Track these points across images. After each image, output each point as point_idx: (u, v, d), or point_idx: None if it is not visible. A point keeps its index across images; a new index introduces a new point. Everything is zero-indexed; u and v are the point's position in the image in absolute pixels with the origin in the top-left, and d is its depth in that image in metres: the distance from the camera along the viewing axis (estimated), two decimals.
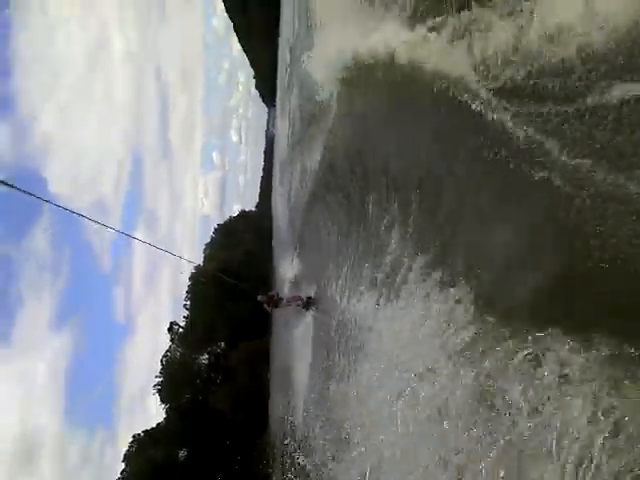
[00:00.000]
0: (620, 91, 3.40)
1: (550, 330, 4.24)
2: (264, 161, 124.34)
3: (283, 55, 49.35)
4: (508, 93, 4.98)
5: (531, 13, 4.55)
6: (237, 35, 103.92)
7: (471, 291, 5.77)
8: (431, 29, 7.23)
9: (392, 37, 9.18)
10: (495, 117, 5.22)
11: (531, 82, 4.57)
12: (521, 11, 4.74)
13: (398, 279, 8.25)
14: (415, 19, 7.94)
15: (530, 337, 4.46)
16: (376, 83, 10.80)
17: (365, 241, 11.07)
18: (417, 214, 7.98)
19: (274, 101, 79.26)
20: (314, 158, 21.21)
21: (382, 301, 9.09)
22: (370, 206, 10.88)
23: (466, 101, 5.92)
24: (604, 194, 3.59)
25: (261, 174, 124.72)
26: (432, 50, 7.16)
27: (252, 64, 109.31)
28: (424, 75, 7.49)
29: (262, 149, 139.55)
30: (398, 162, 9.36)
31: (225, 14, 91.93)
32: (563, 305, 4.16)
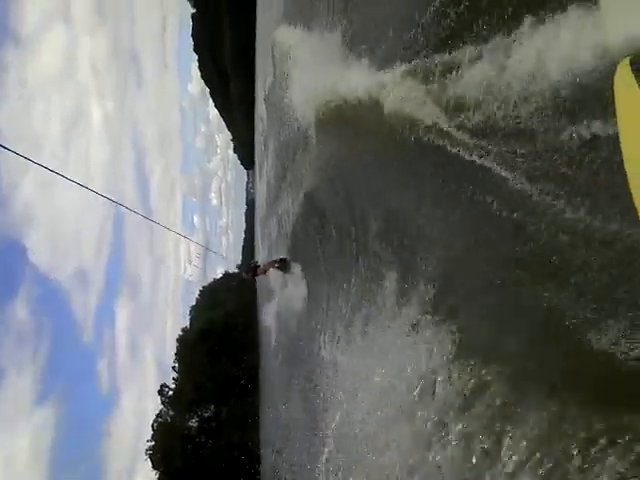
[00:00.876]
0: (586, 130, 3.48)
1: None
2: (245, 222, 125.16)
3: (259, 111, 50.60)
4: (480, 132, 5.04)
5: (504, 55, 4.59)
6: (213, 100, 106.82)
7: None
8: (404, 72, 7.24)
9: (365, 80, 9.18)
10: (468, 156, 5.27)
11: (502, 121, 4.62)
12: (493, 55, 4.80)
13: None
14: (388, 62, 7.94)
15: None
16: (350, 125, 10.89)
17: (354, 287, 10.90)
18: (397, 259, 8.01)
19: (253, 163, 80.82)
20: (288, 207, 21.62)
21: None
22: (351, 252, 10.92)
23: (438, 141, 5.99)
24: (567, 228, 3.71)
25: (243, 236, 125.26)
26: (405, 92, 7.20)
27: (229, 128, 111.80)
28: (397, 117, 7.55)
29: (243, 211, 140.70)
30: (372, 204, 9.52)
31: (201, 80, 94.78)
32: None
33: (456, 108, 5.57)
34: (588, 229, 3.54)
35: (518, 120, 4.35)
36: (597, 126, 3.37)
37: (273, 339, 28.15)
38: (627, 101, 1.58)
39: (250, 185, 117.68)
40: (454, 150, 5.59)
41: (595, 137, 3.39)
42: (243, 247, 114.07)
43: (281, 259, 19.27)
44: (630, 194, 2.52)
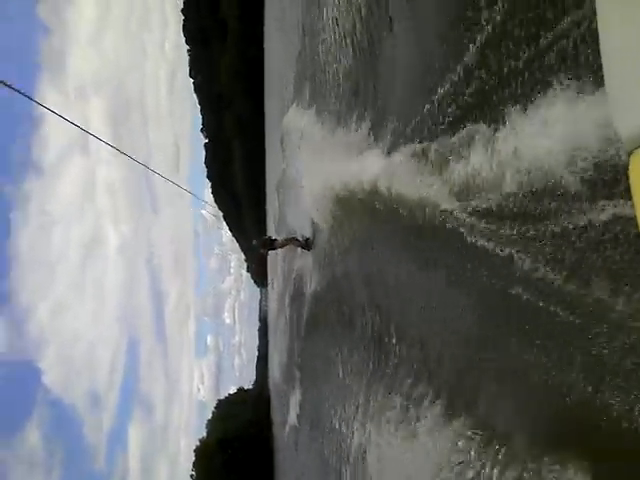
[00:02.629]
0: (598, 215, 3.42)
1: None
2: (259, 339, 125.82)
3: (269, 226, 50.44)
4: (488, 215, 5.01)
5: (509, 140, 4.57)
6: (226, 223, 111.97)
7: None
8: (411, 155, 7.24)
9: (371, 166, 9.25)
10: (477, 240, 5.25)
11: (509, 204, 4.58)
12: (495, 140, 4.81)
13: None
14: (394, 146, 8.00)
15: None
16: (359, 213, 10.96)
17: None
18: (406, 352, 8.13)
19: (266, 281, 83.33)
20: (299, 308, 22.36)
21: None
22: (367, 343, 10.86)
23: (447, 224, 5.97)
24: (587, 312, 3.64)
25: (256, 353, 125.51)
26: (412, 175, 7.19)
27: (242, 249, 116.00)
28: (404, 201, 7.58)
29: (256, 328, 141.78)
30: (387, 293, 9.45)
31: (214, 204, 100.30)
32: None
33: (463, 191, 5.56)
34: (599, 311, 3.45)
35: (526, 203, 4.32)
36: (609, 210, 3.30)
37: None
38: None
39: (263, 302, 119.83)
40: (463, 233, 5.57)
41: (608, 221, 3.31)
42: (257, 365, 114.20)
43: (306, 238, 17.51)
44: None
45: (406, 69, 7.82)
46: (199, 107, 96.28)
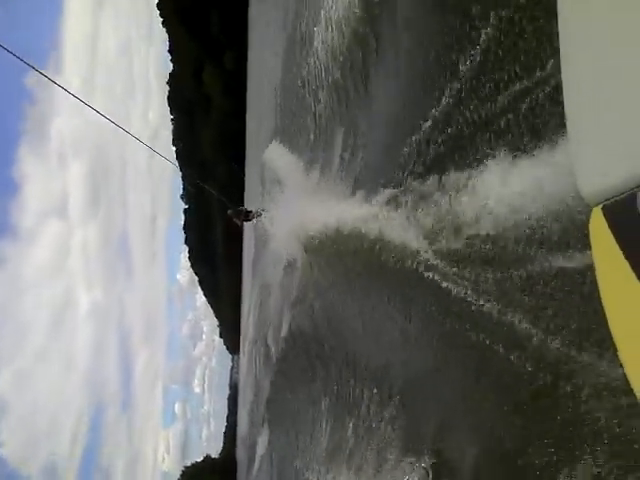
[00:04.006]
0: (556, 262, 3.48)
1: None
2: (228, 408, 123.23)
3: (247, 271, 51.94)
4: (456, 259, 5.14)
5: (477, 187, 4.66)
6: (202, 288, 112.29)
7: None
8: (386, 201, 7.38)
9: (345, 210, 9.56)
10: (444, 282, 5.39)
11: (476, 249, 4.69)
12: (465, 187, 4.90)
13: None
14: (368, 195, 8.21)
15: None
16: (335, 254, 11.24)
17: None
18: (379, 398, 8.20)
19: (238, 349, 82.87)
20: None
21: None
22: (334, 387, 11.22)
23: (418, 268, 6.13)
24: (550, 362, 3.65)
25: (225, 423, 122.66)
26: (387, 219, 7.36)
27: (216, 314, 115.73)
28: (378, 243, 7.77)
29: (226, 396, 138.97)
30: (356, 336, 9.80)
31: (190, 269, 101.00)
32: None
33: (432, 234, 5.75)
34: (561, 358, 3.45)
35: (492, 248, 4.40)
36: (569, 258, 3.34)
37: None
38: (602, 249, 1.47)
39: (235, 370, 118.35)
40: (431, 276, 5.70)
41: (568, 269, 3.34)
42: (225, 433, 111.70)
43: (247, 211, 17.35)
44: (601, 329, 2.56)
45: (381, 120, 8.02)
46: (180, 173, 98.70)
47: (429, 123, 5.91)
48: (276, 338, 22.22)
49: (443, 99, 5.52)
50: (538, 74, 3.85)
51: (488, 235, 4.51)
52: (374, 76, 8.63)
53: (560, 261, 3.55)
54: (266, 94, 27.83)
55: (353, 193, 9.44)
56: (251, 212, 17.18)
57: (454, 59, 5.32)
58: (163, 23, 76.23)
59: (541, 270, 3.79)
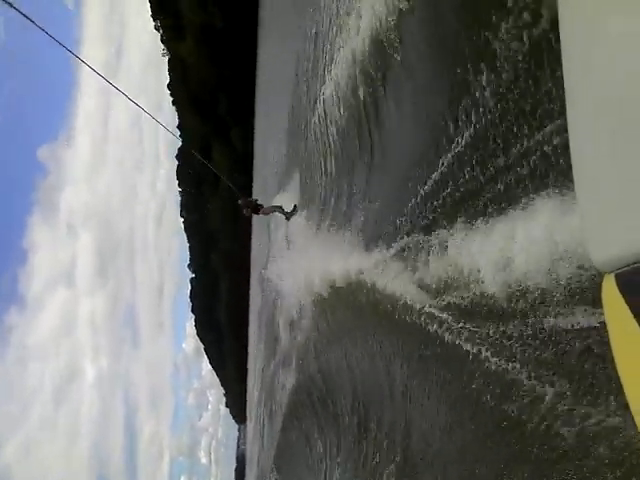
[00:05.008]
0: (571, 320, 3.40)
1: None
2: None
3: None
4: (464, 314, 5.04)
5: (485, 242, 4.57)
6: (208, 356, 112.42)
7: None
8: (393, 253, 7.34)
9: (351, 262, 9.46)
10: (453, 338, 5.27)
11: (483, 303, 4.58)
12: (471, 243, 4.81)
13: None
14: (377, 243, 8.14)
15: None
16: (341, 308, 11.24)
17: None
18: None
19: (245, 418, 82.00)
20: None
21: None
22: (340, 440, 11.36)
23: (425, 321, 6.03)
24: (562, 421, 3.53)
25: None
26: (393, 272, 7.25)
27: (223, 382, 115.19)
28: (385, 296, 7.67)
29: (232, 468, 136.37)
30: (363, 389, 9.76)
31: (196, 337, 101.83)
32: None
33: (438, 288, 5.64)
34: (574, 418, 3.39)
35: (502, 304, 4.31)
36: (582, 318, 3.27)
37: None
38: (615, 316, 1.42)
39: (241, 440, 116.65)
40: (439, 331, 5.59)
41: (581, 328, 3.28)
42: None
43: (291, 210, 17.42)
44: (614, 390, 2.70)
45: (386, 174, 8.06)
46: (187, 244, 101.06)
47: (434, 178, 5.88)
48: (282, 395, 22.36)
49: (450, 151, 5.43)
50: (547, 129, 3.68)
51: (497, 289, 4.40)
52: (380, 134, 8.60)
53: (569, 320, 3.45)
54: (271, 162, 28.71)
55: (359, 246, 9.38)
56: (262, 205, 16.86)
57: (459, 114, 5.24)
58: (173, 102, 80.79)
59: (550, 327, 3.70)
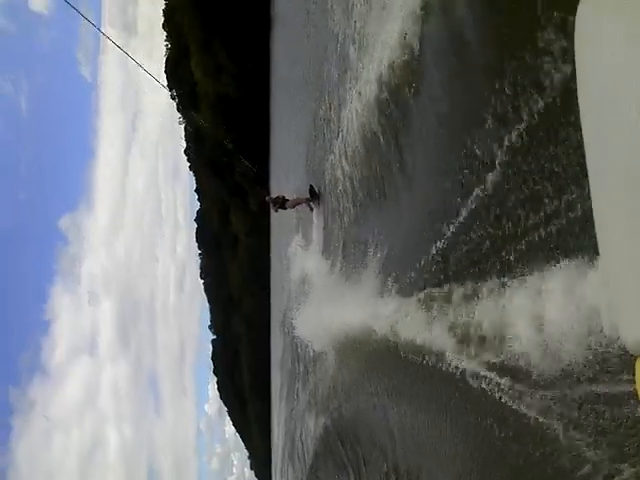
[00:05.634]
0: (607, 389, 3.32)
1: None
2: None
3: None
4: (498, 369, 4.92)
5: (511, 301, 4.49)
6: (231, 418, 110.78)
7: None
8: (419, 301, 7.23)
9: (376, 310, 9.31)
10: (486, 391, 5.16)
11: (517, 363, 4.44)
12: (505, 299, 4.66)
13: None
14: (403, 291, 8.00)
15: None
16: (364, 357, 11.07)
17: None
18: None
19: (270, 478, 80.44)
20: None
21: None
22: None
23: (456, 374, 5.88)
24: None
25: None
26: (420, 322, 7.14)
27: (246, 444, 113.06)
28: (410, 349, 7.57)
29: None
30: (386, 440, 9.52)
31: (219, 399, 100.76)
32: None
33: (468, 342, 5.54)
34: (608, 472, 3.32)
35: (523, 364, 4.25)
36: (617, 385, 3.20)
37: None
38: None
39: None
40: (473, 384, 5.46)
41: (618, 395, 3.20)
42: None
43: (311, 193, 17.24)
44: None
45: (410, 218, 7.91)
46: (208, 306, 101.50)
47: (455, 228, 5.81)
48: (305, 448, 22.10)
49: (473, 202, 5.30)
50: (574, 194, 3.58)
51: (522, 352, 4.34)
52: (397, 182, 8.64)
53: (606, 386, 3.36)
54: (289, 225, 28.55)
55: (380, 293, 9.25)
56: (288, 200, 17.43)
57: (475, 175, 5.20)
58: (190, 167, 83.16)
59: (581, 393, 3.64)
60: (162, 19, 67.22)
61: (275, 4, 43.90)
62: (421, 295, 7.21)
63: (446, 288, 6.28)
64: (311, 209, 17.65)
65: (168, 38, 67.24)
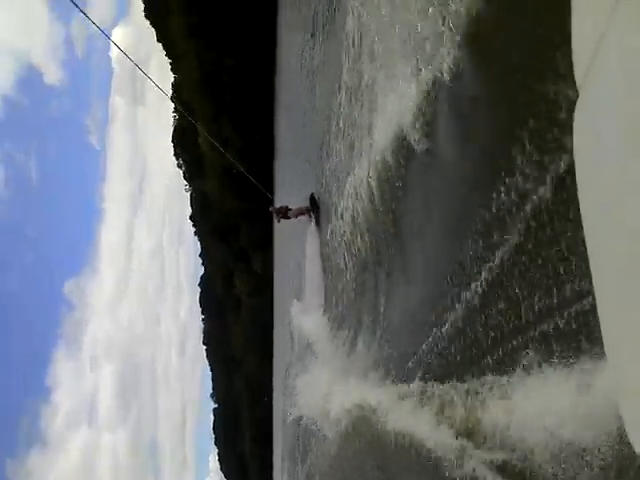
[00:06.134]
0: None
1: None
2: None
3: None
4: (497, 469, 4.72)
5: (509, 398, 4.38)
6: None
7: None
8: (417, 389, 7.12)
9: (375, 394, 9.20)
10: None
11: (524, 464, 4.21)
12: (503, 395, 4.54)
13: None
14: (403, 377, 7.90)
15: None
16: (363, 439, 10.88)
17: None
18: None
19: None
20: None
21: None
22: None
23: (452, 471, 5.68)
24: None
25: None
26: (413, 411, 7.07)
27: None
28: (407, 440, 7.41)
29: None
30: None
31: (219, 472, 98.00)
32: None
33: (468, 434, 5.39)
34: None
35: (528, 463, 4.09)
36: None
37: None
38: None
39: None
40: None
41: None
42: None
43: (311, 202, 17.50)
44: None
45: (411, 302, 7.80)
46: (210, 372, 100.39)
47: (457, 317, 5.68)
48: None
49: (477, 283, 5.18)
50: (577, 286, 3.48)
51: (531, 449, 4.12)
52: (397, 263, 8.67)
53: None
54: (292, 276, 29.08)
55: (383, 378, 9.11)
56: (290, 209, 18.10)
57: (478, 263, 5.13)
58: (195, 232, 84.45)
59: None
60: (170, 92, 70.00)
61: (279, 94, 45.68)
62: (418, 385, 7.08)
63: (446, 381, 6.10)
64: (311, 218, 17.77)
65: (176, 110, 69.79)
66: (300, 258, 21.98)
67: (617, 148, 1.39)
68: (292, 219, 18.84)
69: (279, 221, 19.41)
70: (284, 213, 18.25)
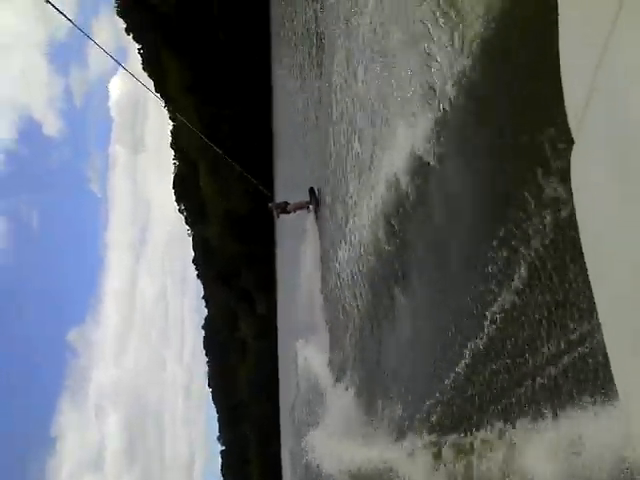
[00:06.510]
0: None
1: None
2: None
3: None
4: None
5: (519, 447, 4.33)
6: None
7: None
8: (424, 445, 7.07)
9: (383, 451, 9.17)
10: None
11: None
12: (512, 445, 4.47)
13: None
14: (407, 433, 7.83)
15: None
16: None
17: None
18: None
19: None
20: None
21: None
22: None
23: None
24: None
25: None
26: (423, 468, 7.00)
27: None
28: None
29: None
30: None
31: None
32: None
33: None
34: None
35: None
36: None
37: None
38: None
39: None
40: None
41: None
42: None
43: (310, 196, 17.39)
44: None
45: (418, 352, 7.75)
46: (216, 414, 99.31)
47: (464, 368, 5.65)
48: None
49: (482, 335, 5.16)
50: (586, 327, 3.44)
51: None
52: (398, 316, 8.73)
53: None
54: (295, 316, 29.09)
55: (390, 434, 9.00)
56: (289, 204, 18.25)
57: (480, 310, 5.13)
58: (198, 276, 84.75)
59: None
60: (170, 138, 70.79)
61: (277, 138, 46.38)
62: (429, 438, 7.00)
63: (458, 432, 5.99)
64: (309, 210, 17.85)
65: (176, 156, 70.67)
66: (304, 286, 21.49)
67: (612, 190, 1.42)
68: (291, 214, 19.00)
69: (278, 217, 19.72)
70: (283, 208, 18.43)
